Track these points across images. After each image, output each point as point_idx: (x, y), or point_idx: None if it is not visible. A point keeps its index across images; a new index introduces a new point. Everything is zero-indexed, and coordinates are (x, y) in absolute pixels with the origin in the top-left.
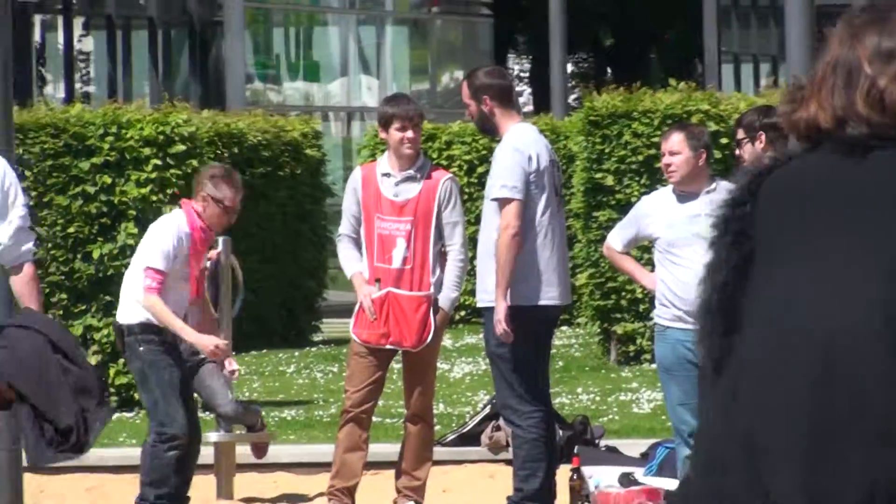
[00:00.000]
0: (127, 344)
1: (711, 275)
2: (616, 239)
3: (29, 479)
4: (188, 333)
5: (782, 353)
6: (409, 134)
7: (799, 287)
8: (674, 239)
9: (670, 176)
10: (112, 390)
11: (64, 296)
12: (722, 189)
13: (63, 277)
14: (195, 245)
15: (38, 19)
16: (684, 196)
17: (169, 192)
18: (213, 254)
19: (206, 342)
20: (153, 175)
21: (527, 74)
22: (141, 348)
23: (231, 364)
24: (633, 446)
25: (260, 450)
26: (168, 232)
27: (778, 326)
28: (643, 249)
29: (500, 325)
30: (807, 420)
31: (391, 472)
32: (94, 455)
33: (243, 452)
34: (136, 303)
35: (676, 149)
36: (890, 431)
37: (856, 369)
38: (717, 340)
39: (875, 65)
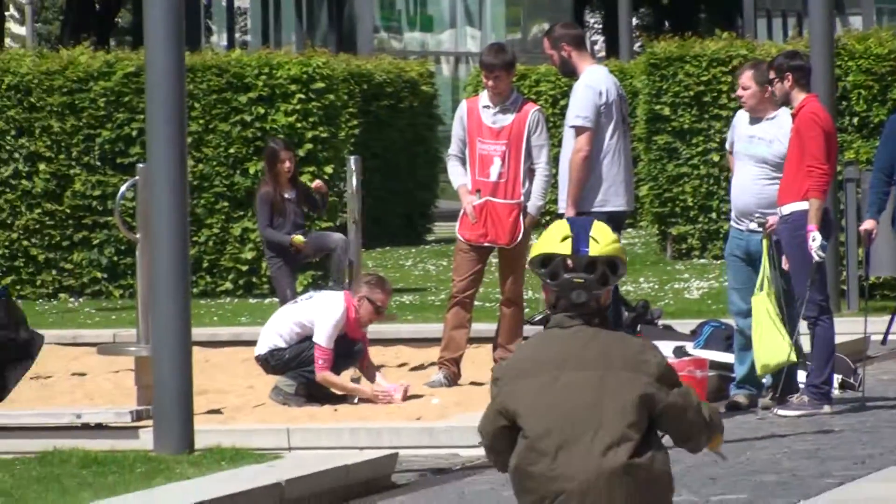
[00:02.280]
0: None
1: None
2: (727, 143)
3: (196, 350)
4: (361, 392)
5: None
6: (490, 83)
7: None
8: (736, 151)
9: (742, 105)
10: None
11: (226, 204)
12: (782, 116)
13: (225, 189)
14: (349, 330)
15: None
16: (753, 119)
17: (311, 120)
18: (317, 184)
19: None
20: (298, 107)
21: (600, 26)
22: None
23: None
24: (685, 325)
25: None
26: (334, 317)
27: None
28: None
29: None
30: None
31: (489, 346)
32: (250, 331)
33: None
34: (277, 336)
35: (746, 83)
36: None
37: None
38: None
39: None
